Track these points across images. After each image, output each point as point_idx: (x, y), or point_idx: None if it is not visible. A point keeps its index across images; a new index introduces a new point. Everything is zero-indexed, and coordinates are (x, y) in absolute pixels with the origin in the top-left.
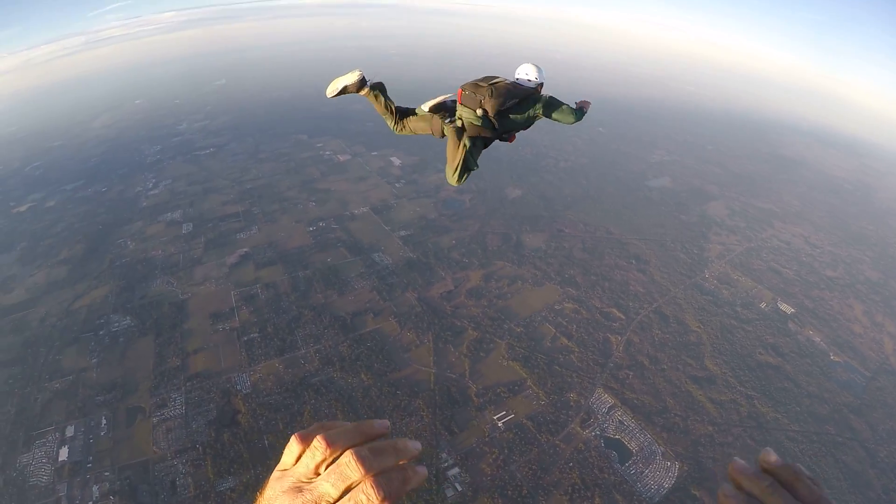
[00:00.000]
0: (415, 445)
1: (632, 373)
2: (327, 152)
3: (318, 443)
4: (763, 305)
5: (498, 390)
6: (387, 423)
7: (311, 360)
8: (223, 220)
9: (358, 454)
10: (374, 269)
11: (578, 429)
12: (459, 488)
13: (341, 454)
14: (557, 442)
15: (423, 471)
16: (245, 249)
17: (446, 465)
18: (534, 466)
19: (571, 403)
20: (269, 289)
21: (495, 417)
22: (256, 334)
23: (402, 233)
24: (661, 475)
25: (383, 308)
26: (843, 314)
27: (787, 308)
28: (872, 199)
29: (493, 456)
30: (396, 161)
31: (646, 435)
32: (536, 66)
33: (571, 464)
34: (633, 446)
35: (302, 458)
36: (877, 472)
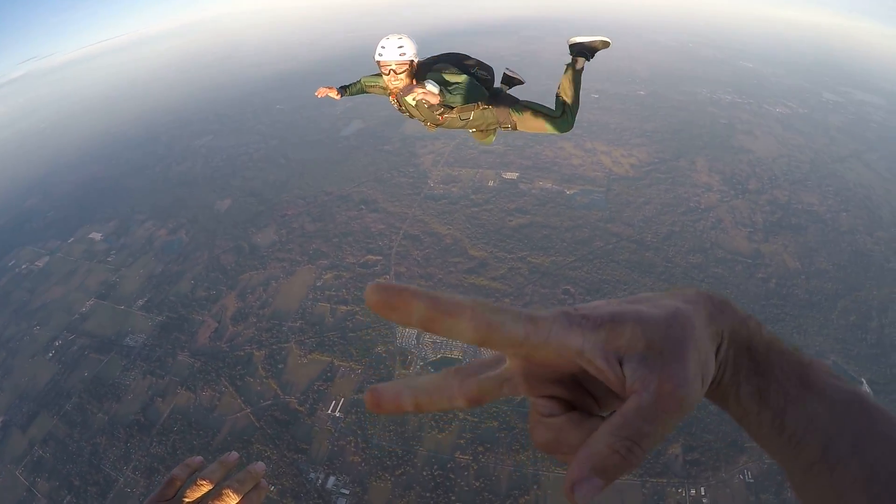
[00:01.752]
0: (261, 466)
1: None
2: (22, 266)
3: (202, 483)
4: (491, 184)
5: (315, 387)
6: (236, 455)
7: (135, 483)
8: None
9: (230, 486)
10: (132, 354)
11: (403, 371)
12: (346, 491)
13: (215, 488)
14: None
15: (262, 469)
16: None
17: (320, 481)
18: (391, 426)
19: (383, 354)
20: (49, 443)
21: (329, 411)
22: (69, 496)
23: (140, 302)
24: None
25: (165, 385)
26: (559, 156)
27: (511, 175)
28: (539, 62)
29: (353, 443)
30: (97, 236)
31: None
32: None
33: None
34: (456, 354)
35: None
36: (650, 253)
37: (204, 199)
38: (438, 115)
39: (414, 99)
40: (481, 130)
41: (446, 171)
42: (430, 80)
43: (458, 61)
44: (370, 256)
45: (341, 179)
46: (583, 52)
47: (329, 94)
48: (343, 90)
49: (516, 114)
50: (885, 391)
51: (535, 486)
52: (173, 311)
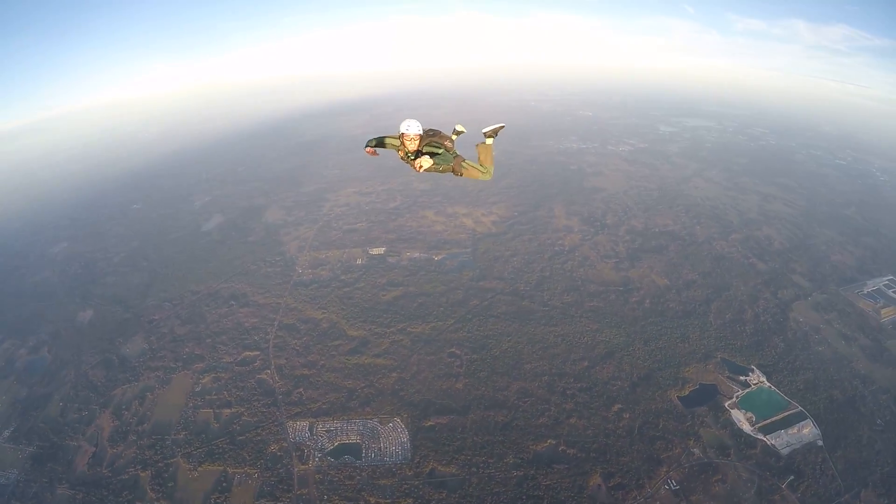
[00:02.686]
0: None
1: (303, 389)
2: None
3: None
4: (359, 261)
5: (212, 502)
6: None
7: None
8: None
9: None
10: (5, 494)
11: (302, 465)
12: None
13: None
14: (303, 492)
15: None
16: None
17: None
18: None
19: (278, 453)
20: None
21: None
22: None
23: (6, 433)
24: (397, 445)
25: None
26: (423, 224)
27: (378, 250)
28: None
29: None
30: None
31: (354, 423)
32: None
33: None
34: (353, 439)
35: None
36: (526, 301)
37: (64, 312)
38: (441, 166)
39: (420, 169)
40: (459, 171)
41: (313, 255)
42: (425, 156)
43: (436, 134)
44: (247, 353)
45: (207, 276)
46: (491, 135)
47: (371, 152)
48: (375, 147)
49: (465, 166)
50: (774, 370)
51: None
52: (44, 440)
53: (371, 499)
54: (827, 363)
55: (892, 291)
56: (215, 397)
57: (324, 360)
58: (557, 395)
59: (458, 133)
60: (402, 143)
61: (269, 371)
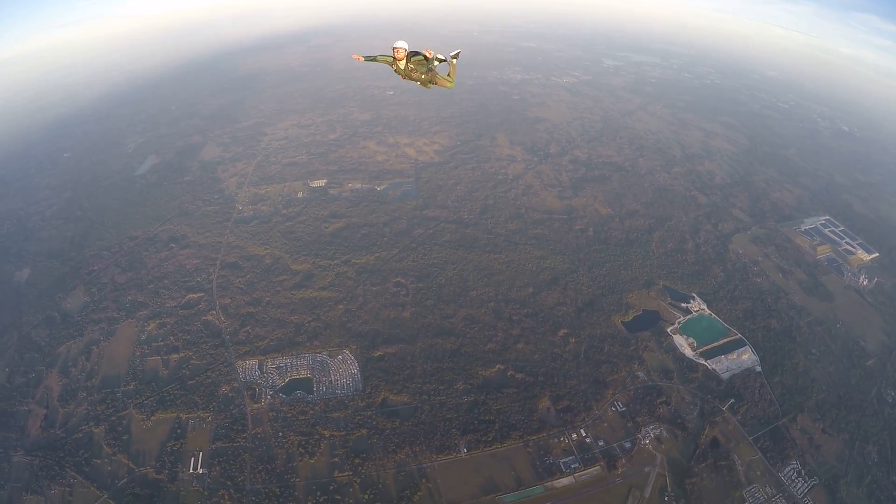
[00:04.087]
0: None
1: (250, 328)
2: None
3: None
4: (300, 195)
5: (168, 449)
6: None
7: None
8: None
9: None
10: None
11: (255, 404)
12: None
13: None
14: (258, 430)
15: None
16: None
17: None
18: (259, 465)
19: (230, 394)
20: None
21: (191, 470)
22: None
23: None
24: (348, 377)
25: (8, 496)
26: (364, 155)
27: (319, 182)
28: (330, 69)
29: (227, 497)
30: None
31: (303, 357)
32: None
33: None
34: (303, 374)
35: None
36: (471, 229)
37: (0, 273)
38: (418, 73)
39: (431, 59)
40: (429, 82)
41: (253, 191)
42: (421, 56)
43: (418, 53)
44: (191, 295)
45: (145, 221)
46: (455, 56)
47: (357, 58)
48: (368, 59)
49: (438, 77)
50: (715, 299)
51: (423, 480)
52: None
53: (325, 432)
54: (765, 294)
55: (829, 230)
56: (162, 344)
57: (269, 297)
58: (504, 321)
59: (439, 60)
60: (395, 57)
61: (214, 312)
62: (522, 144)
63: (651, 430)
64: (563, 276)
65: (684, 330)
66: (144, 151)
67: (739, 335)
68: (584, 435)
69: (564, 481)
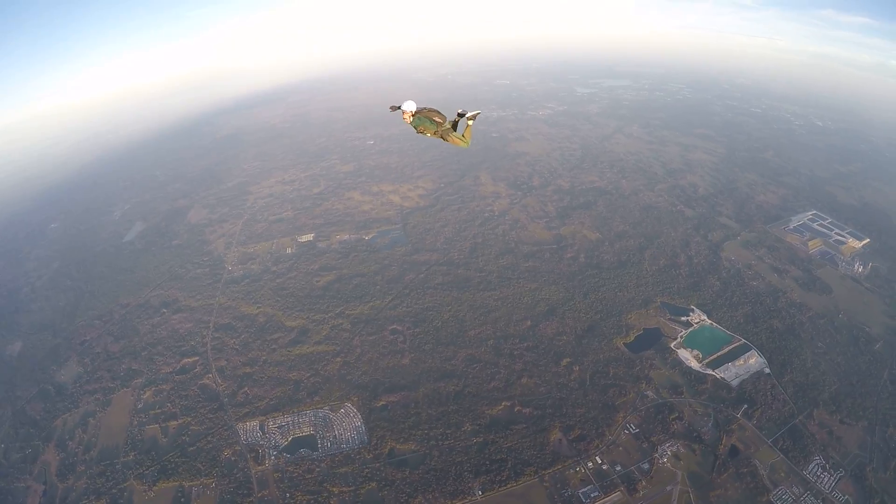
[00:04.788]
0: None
1: (248, 388)
2: None
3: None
4: (289, 251)
5: None
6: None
7: None
8: None
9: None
10: None
11: (259, 466)
12: None
13: None
14: (264, 493)
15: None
16: None
17: None
18: None
19: (233, 458)
20: None
21: None
22: None
23: None
24: (352, 430)
25: None
26: (349, 206)
27: (307, 237)
28: (310, 122)
29: None
30: None
31: (305, 414)
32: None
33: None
34: (306, 430)
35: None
36: (462, 269)
37: None
38: (431, 133)
39: (443, 124)
40: (446, 138)
41: (241, 250)
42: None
43: (430, 111)
44: (186, 360)
45: (135, 287)
46: (472, 118)
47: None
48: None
49: (451, 136)
50: (714, 308)
51: None
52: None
53: (334, 489)
54: (763, 296)
55: (817, 224)
56: (160, 411)
57: (265, 356)
58: (505, 357)
59: (453, 123)
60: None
61: (210, 375)
62: (505, 180)
63: (668, 447)
64: (559, 306)
65: (688, 343)
66: (131, 218)
67: (744, 340)
68: (599, 462)
69: None
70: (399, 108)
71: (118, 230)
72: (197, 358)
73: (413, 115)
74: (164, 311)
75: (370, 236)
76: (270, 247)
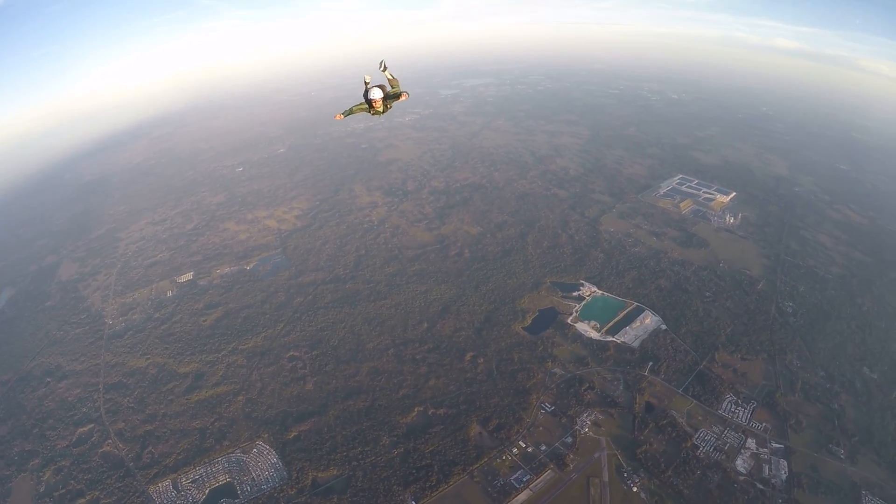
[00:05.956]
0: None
1: (152, 447)
2: None
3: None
4: (170, 294)
5: None
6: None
7: None
8: None
9: None
10: None
11: None
12: None
13: None
14: None
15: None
16: None
17: None
18: None
19: None
20: None
21: None
22: None
23: None
24: (269, 468)
25: None
26: (226, 238)
27: (186, 276)
28: (177, 157)
29: None
30: None
31: (217, 462)
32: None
33: None
34: (222, 480)
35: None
36: (350, 283)
37: None
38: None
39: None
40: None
41: (119, 301)
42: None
43: (383, 87)
44: (81, 429)
45: (13, 360)
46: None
47: (338, 117)
48: (347, 114)
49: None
50: (602, 278)
51: None
52: None
53: None
54: (646, 259)
55: (685, 187)
56: (64, 491)
57: (163, 409)
58: (408, 363)
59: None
60: (372, 107)
61: (110, 441)
62: (380, 189)
63: (586, 418)
64: (452, 303)
65: (583, 315)
66: None
67: (636, 303)
68: (524, 446)
69: (522, 496)
70: (350, 111)
71: None
72: (92, 425)
73: (384, 99)
74: (49, 380)
75: (251, 265)
76: (150, 292)
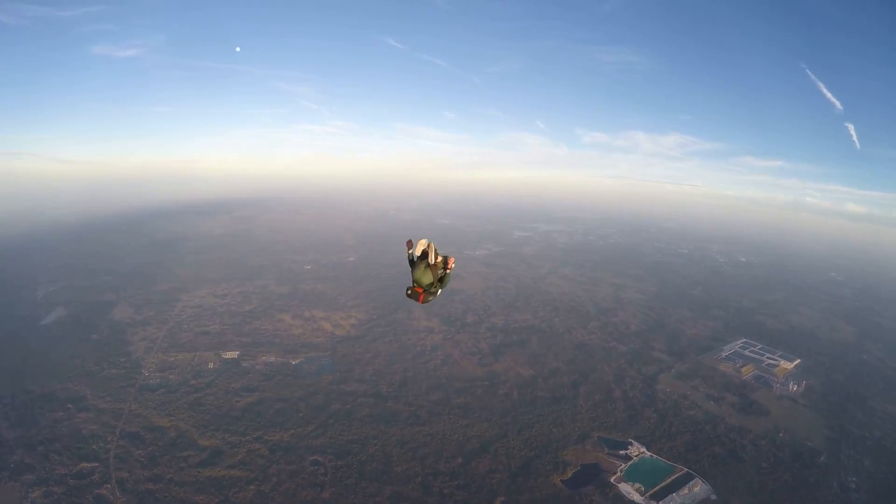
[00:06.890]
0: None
1: (158, 502)
2: None
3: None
4: (211, 365)
5: None
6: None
7: None
8: None
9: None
10: None
11: None
12: None
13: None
14: None
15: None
16: None
17: None
18: None
19: None
20: None
21: None
22: None
23: None
24: None
25: None
26: (279, 328)
27: (231, 354)
28: (253, 239)
29: None
30: None
31: None
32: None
33: None
34: None
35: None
36: (391, 402)
37: None
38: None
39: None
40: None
41: (161, 357)
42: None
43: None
44: (84, 464)
45: (44, 375)
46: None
47: (408, 245)
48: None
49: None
50: (653, 440)
51: None
52: None
53: None
54: (701, 423)
55: (748, 351)
56: None
57: (172, 474)
58: (434, 496)
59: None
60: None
61: (108, 486)
62: (439, 316)
63: None
64: (492, 443)
65: (628, 476)
66: (54, 301)
67: (686, 469)
68: None
69: None
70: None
71: (37, 311)
72: (97, 464)
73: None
74: (70, 406)
75: (297, 361)
76: (192, 358)
